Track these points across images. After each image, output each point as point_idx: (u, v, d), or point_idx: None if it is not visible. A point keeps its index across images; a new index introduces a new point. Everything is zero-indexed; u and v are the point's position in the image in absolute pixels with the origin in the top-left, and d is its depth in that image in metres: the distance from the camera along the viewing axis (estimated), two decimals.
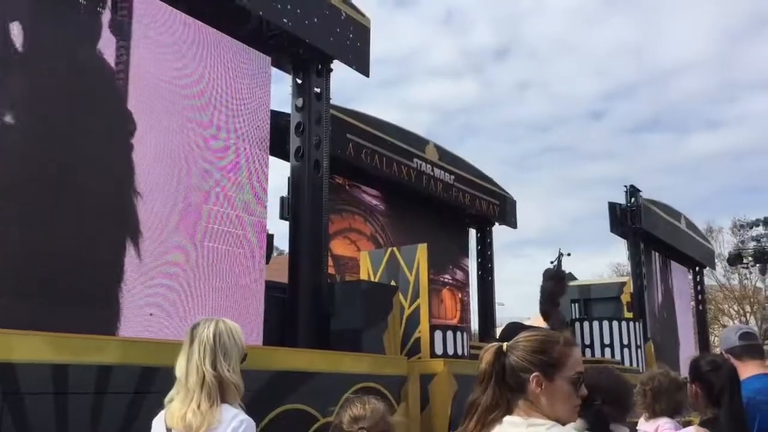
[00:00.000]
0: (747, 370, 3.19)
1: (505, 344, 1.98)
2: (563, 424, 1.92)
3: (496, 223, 15.17)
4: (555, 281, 13.76)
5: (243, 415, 2.53)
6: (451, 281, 14.63)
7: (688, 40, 66.24)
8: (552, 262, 13.96)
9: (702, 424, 3.05)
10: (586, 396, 2.47)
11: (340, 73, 8.73)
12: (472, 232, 15.25)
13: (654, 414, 3.39)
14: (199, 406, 2.45)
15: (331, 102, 8.68)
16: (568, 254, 14.46)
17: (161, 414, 2.60)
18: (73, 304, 5.78)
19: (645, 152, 66.69)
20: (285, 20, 7.56)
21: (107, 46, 6.31)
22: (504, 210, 15.10)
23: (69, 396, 4.58)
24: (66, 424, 4.52)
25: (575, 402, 1.98)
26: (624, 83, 71.29)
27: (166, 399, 2.58)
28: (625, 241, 16.24)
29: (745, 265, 25.62)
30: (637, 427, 3.45)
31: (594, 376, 2.65)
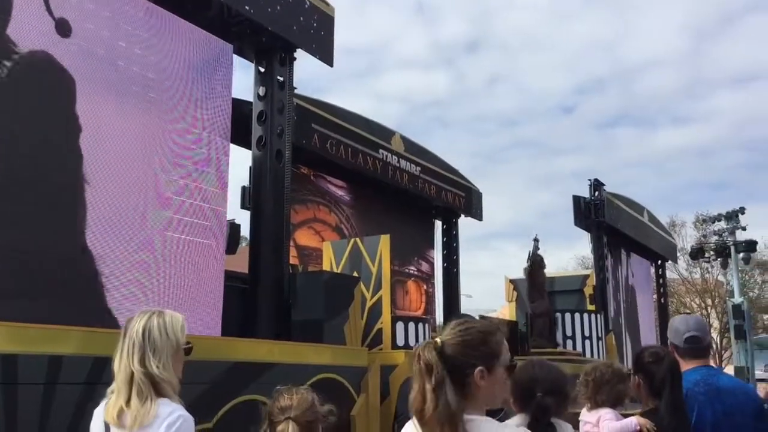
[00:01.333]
0: (688, 363, 3.24)
1: (438, 339, 1.95)
2: (497, 407, 1.94)
3: (462, 215, 15.23)
4: (531, 269, 13.91)
5: (181, 411, 2.45)
6: (416, 273, 14.67)
7: (657, 37, 67.12)
8: (530, 251, 14.10)
9: (644, 414, 3.09)
10: (527, 390, 2.49)
11: (311, 63, 8.66)
12: (438, 224, 15.29)
13: (596, 404, 3.41)
14: (128, 403, 2.39)
15: (302, 92, 8.63)
16: (538, 248, 14.60)
17: (102, 405, 2.54)
18: (39, 297, 5.67)
19: (613, 147, 67.53)
20: (247, 8, 7.47)
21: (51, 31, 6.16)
22: (470, 202, 15.17)
23: (18, 387, 4.50)
24: (15, 414, 4.44)
25: (508, 385, 2.02)
26: (594, 78, 71.98)
27: (108, 390, 2.53)
28: (589, 234, 16.43)
29: (707, 259, 26.00)
30: (579, 418, 3.47)
31: (532, 370, 2.66)
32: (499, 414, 3.04)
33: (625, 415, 3.30)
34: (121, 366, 2.47)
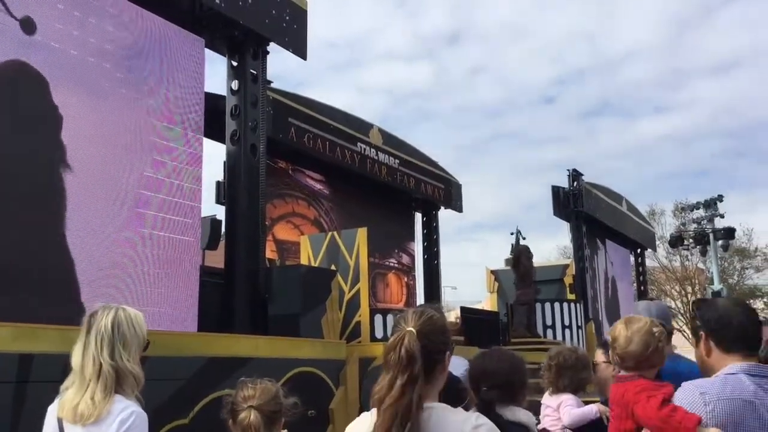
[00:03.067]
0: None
1: (412, 329, 1.95)
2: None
3: (442, 207, 15.26)
4: (516, 259, 14.01)
5: (134, 407, 2.45)
6: (397, 265, 14.69)
7: (638, 27, 67.48)
8: (513, 243, 14.20)
9: (605, 402, 3.12)
10: (475, 383, 2.52)
11: (292, 57, 8.62)
12: (418, 216, 15.32)
13: (557, 390, 3.44)
14: (93, 397, 2.39)
15: (283, 85, 8.62)
16: (524, 237, 14.69)
17: (55, 402, 2.53)
18: (20, 294, 5.62)
19: (595, 137, 67.86)
20: (218, 1, 7.42)
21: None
22: (449, 194, 15.20)
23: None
24: None
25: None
26: (575, 69, 72.25)
27: (62, 387, 2.51)
28: (568, 223, 16.53)
29: (686, 247, 26.27)
30: (542, 402, 3.50)
31: (483, 362, 2.67)
32: (463, 403, 3.06)
33: (587, 402, 3.32)
34: (86, 360, 2.46)
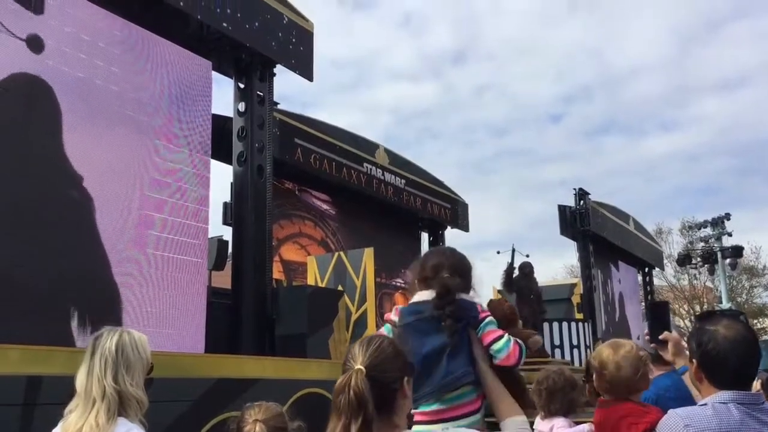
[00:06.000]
0: (659, 369, 3.25)
1: (361, 366, 1.86)
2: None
3: (448, 227, 15.26)
4: (505, 277, 13.89)
5: (137, 430, 2.44)
6: (404, 285, 14.66)
7: (644, 43, 67.55)
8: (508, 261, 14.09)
9: None
10: (434, 270, 2.52)
11: (298, 78, 8.70)
12: (425, 236, 15.31)
13: (549, 414, 3.42)
14: (96, 420, 2.38)
15: (289, 106, 8.67)
16: (527, 255, 14.58)
17: (58, 426, 2.53)
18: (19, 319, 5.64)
19: (602, 154, 67.77)
20: (225, 24, 7.50)
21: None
22: (455, 213, 15.20)
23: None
24: None
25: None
26: (581, 86, 72.38)
27: (65, 411, 2.51)
28: (575, 243, 16.49)
29: (694, 266, 26.10)
30: (534, 427, 3.48)
31: (435, 256, 2.62)
32: None
33: (578, 422, 3.31)
34: (91, 383, 2.45)
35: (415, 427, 2.29)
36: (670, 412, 2.16)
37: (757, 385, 3.68)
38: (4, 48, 5.89)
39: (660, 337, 2.96)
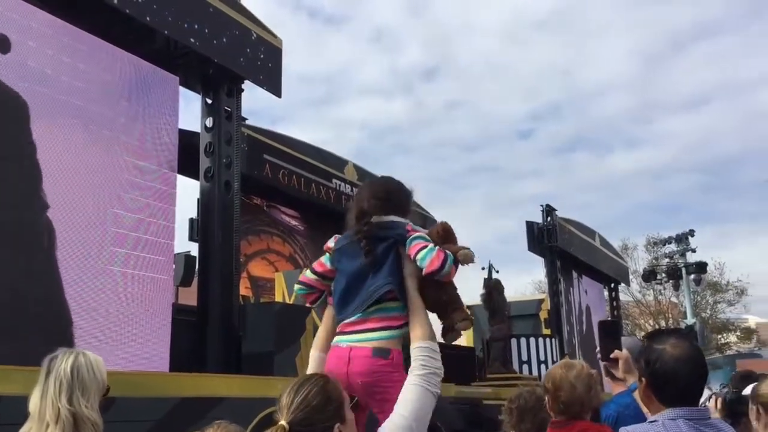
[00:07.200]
0: (619, 386, 3.28)
1: (283, 422, 1.85)
2: None
3: None
4: (488, 295, 13.94)
5: None
6: None
7: (610, 63, 68.87)
8: (485, 277, 14.16)
9: None
10: (357, 201, 2.56)
11: (267, 93, 8.66)
12: None
13: None
14: None
15: (259, 121, 8.64)
16: (497, 271, 14.69)
17: None
18: None
19: (570, 171, 68.63)
20: (192, 40, 7.46)
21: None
22: (424, 229, 15.21)
23: None
24: None
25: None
26: (550, 103, 73.35)
27: None
28: (543, 258, 16.63)
29: (659, 281, 26.52)
30: None
31: (362, 188, 2.73)
32: None
33: None
34: (45, 405, 2.41)
35: (335, 338, 2.42)
36: (621, 430, 2.20)
37: (716, 403, 3.72)
38: None
39: (611, 355, 3.03)
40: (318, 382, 1.96)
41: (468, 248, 2.52)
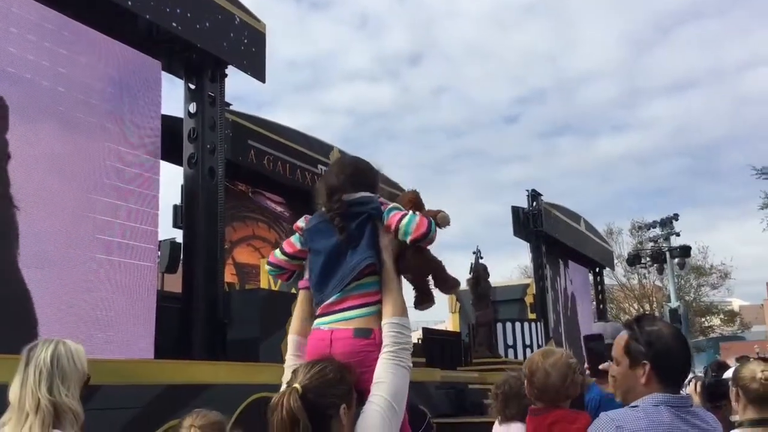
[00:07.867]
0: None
1: (298, 385, 1.91)
2: None
3: None
4: (475, 280, 14.04)
5: None
6: None
7: (596, 48, 68.96)
8: (472, 262, 14.28)
9: None
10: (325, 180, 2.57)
11: (252, 78, 8.58)
12: None
13: (506, 419, 3.43)
14: None
15: (244, 107, 8.59)
16: (481, 257, 14.80)
17: None
18: None
19: (556, 155, 68.82)
20: (175, 24, 7.38)
21: None
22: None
23: None
24: None
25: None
26: (536, 88, 73.37)
27: (0, 422, 2.45)
28: (528, 243, 16.70)
29: (644, 265, 26.71)
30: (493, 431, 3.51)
31: (330, 167, 2.75)
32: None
33: None
34: (25, 394, 2.40)
35: (315, 321, 2.43)
36: (602, 414, 2.21)
37: (695, 386, 3.75)
38: None
39: (599, 367, 3.07)
40: (336, 363, 2.05)
41: (443, 210, 2.54)
